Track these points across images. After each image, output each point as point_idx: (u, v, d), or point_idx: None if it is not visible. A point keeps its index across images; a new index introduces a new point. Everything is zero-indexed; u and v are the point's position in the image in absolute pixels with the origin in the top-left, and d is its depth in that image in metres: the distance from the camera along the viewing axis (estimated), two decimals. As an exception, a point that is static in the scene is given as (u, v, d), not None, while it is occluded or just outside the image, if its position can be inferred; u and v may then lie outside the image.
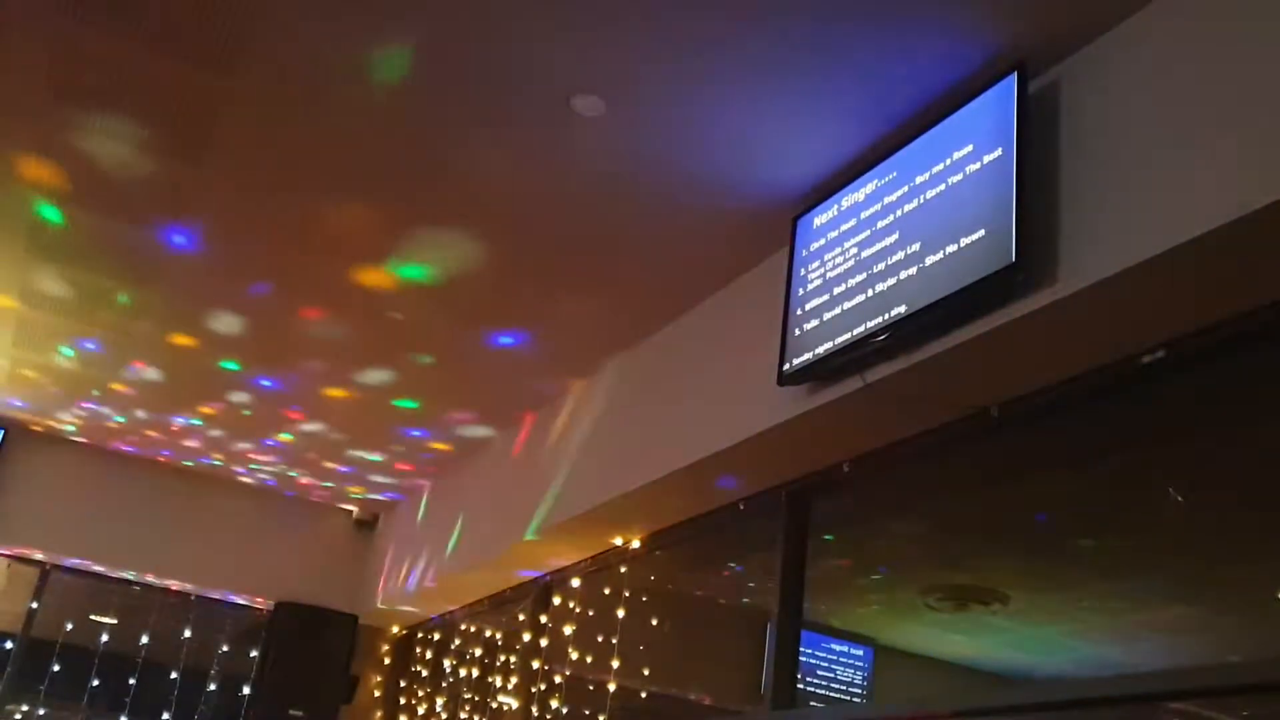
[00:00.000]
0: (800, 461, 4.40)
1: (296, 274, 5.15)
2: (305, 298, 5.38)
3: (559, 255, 4.70)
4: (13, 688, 8.05)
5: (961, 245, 3.17)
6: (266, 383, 6.43)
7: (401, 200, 4.44)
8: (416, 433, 6.88)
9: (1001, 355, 3.26)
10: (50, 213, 4.92)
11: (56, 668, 8.24)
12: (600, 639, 6.20)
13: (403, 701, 8.44)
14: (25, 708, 8.29)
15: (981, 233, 3.10)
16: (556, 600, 6.74)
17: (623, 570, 6.11)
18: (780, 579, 4.65)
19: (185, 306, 5.67)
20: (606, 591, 6.23)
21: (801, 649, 4.63)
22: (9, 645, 8.11)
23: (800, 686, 4.71)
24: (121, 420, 7.51)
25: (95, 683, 8.31)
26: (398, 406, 6.48)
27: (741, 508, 4.99)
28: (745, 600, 6.56)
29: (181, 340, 5.99)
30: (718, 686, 7.03)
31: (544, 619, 6.78)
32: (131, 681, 8.35)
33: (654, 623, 6.06)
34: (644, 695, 6.13)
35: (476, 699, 7.30)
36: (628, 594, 6.06)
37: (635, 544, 5.83)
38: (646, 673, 6.05)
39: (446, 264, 4.85)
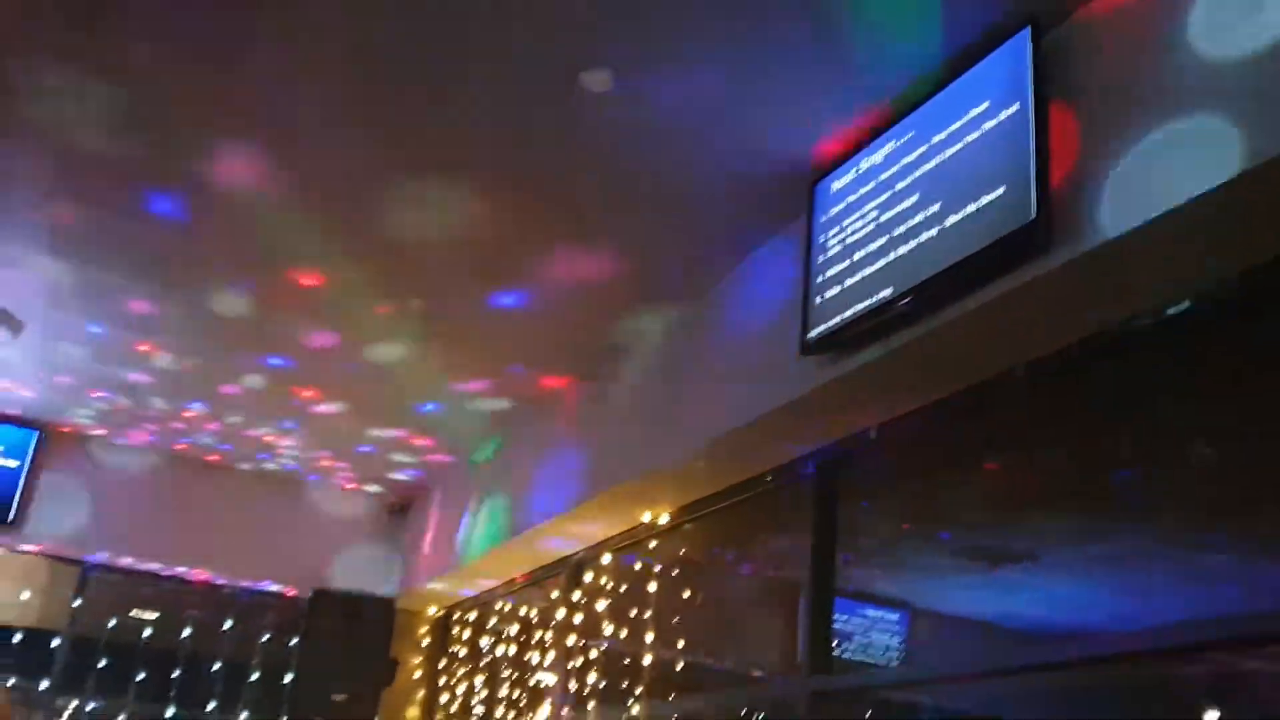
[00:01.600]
0: (827, 430, 4.41)
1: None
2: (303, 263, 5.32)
3: (574, 224, 4.66)
4: (61, 684, 8.20)
5: (981, 204, 3.15)
6: (277, 361, 6.44)
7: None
8: (431, 407, 6.90)
9: (1025, 314, 3.24)
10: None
11: (102, 663, 8.37)
12: (634, 613, 6.25)
13: (443, 681, 8.53)
14: (75, 702, 8.44)
15: (1001, 190, 3.08)
16: (589, 576, 6.78)
17: (653, 545, 6.14)
18: (811, 547, 4.67)
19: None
20: (638, 566, 6.27)
21: (836, 615, 4.66)
22: (55, 643, 8.25)
23: (836, 653, 4.73)
24: (148, 415, 7.58)
25: (140, 676, 8.44)
26: (412, 385, 6.52)
27: (770, 479, 5.00)
28: (778, 570, 6.58)
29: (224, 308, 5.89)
30: (754, 656, 7.06)
31: (577, 595, 6.83)
32: (175, 674, 8.48)
33: (687, 595, 6.09)
34: (679, 667, 6.16)
35: (515, 676, 7.37)
36: (659, 568, 6.10)
37: (664, 518, 5.86)
38: (682, 644, 6.08)
39: (451, 223, 4.74)
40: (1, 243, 5.37)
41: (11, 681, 8.44)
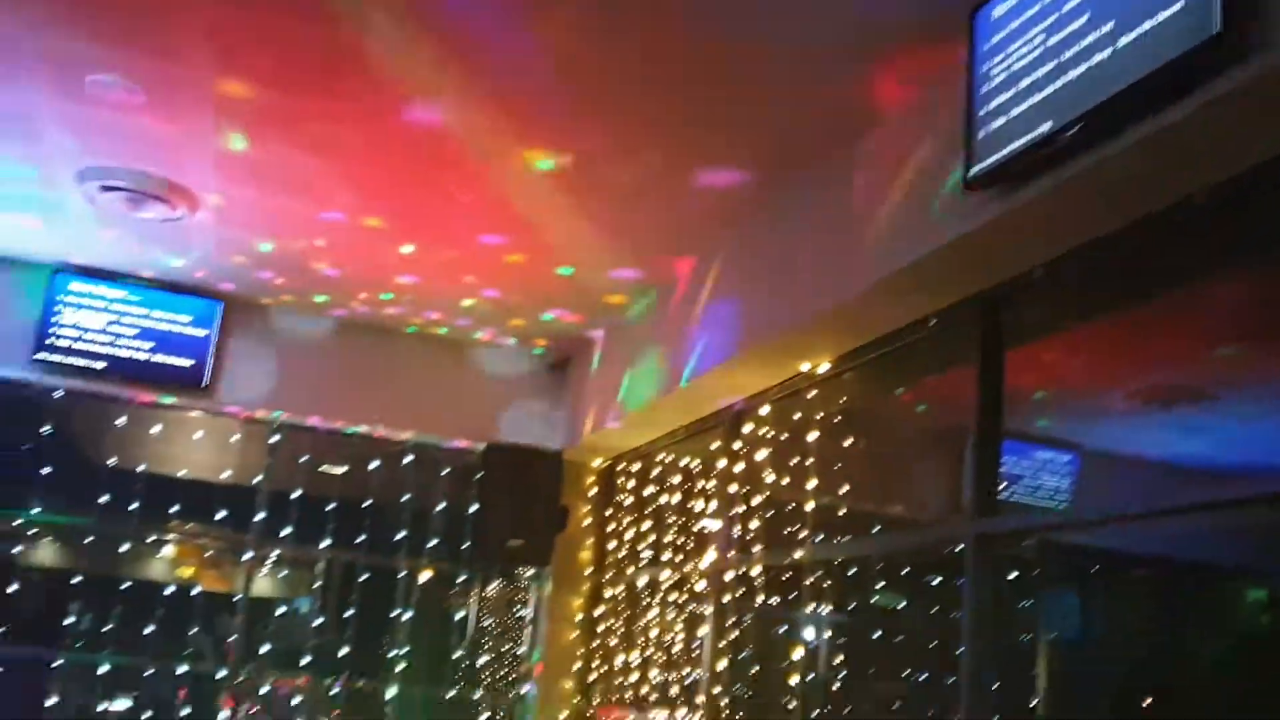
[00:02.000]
0: (992, 269, 4.32)
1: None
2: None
3: (722, 70, 4.60)
4: (260, 536, 8.87)
5: (1159, 20, 2.96)
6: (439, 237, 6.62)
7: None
8: (585, 266, 7.02)
9: (1205, 137, 3.08)
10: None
11: (296, 515, 8.98)
12: (795, 462, 6.34)
13: (610, 529, 8.87)
14: (276, 553, 9.12)
15: (1181, 3, 2.89)
16: (748, 427, 6.89)
17: (813, 394, 6.18)
18: (977, 389, 4.64)
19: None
20: (798, 416, 6.33)
21: (1003, 458, 4.64)
22: (253, 498, 8.88)
23: (1002, 496, 4.72)
24: (327, 282, 7.95)
25: (331, 526, 9.03)
26: (574, 241, 6.64)
27: (933, 322, 4.95)
28: (941, 415, 6.55)
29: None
30: (918, 502, 7.10)
31: (737, 445, 6.95)
32: (363, 525, 9.05)
33: (848, 443, 6.13)
34: (841, 513, 6.24)
35: (680, 523, 7.61)
36: (819, 416, 6.15)
37: (824, 367, 5.88)
38: (843, 491, 6.15)
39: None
40: (180, 117, 5.64)
41: (205, 537, 9.19)
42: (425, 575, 9.15)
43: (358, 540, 9.08)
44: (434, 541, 9.24)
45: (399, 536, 9.11)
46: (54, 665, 8.74)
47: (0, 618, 8.58)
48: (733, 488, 6.92)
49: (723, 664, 6.69)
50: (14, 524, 10.50)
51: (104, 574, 9.33)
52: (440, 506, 9.44)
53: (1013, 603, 6.23)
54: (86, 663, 8.89)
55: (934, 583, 6.54)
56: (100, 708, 9.05)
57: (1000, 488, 4.62)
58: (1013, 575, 5.86)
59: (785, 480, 6.43)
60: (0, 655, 8.29)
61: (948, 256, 4.22)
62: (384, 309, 8.39)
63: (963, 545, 4.59)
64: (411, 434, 9.05)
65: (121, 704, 9.17)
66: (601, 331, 8.35)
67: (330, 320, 8.78)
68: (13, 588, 8.96)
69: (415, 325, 8.76)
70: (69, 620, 8.91)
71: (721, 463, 7.08)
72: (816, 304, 5.18)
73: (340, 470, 9.41)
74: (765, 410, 6.66)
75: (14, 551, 9.90)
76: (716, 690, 6.66)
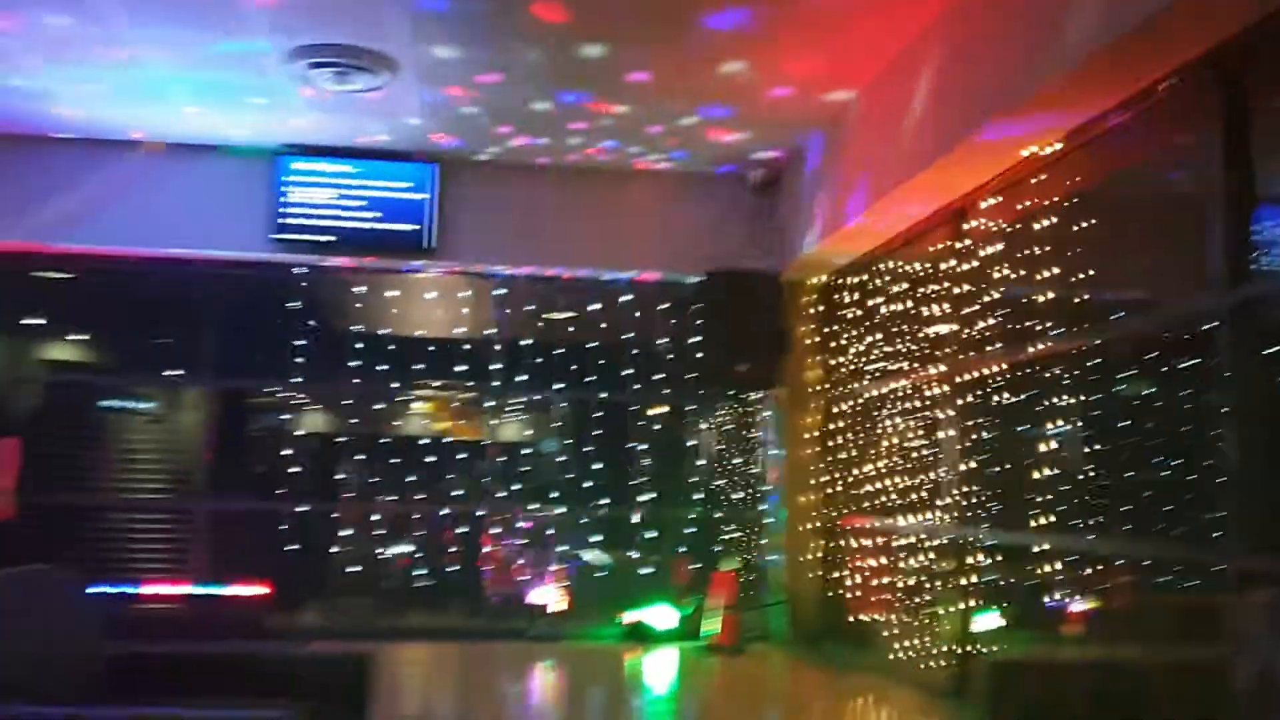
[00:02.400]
0: (1229, 19, 3.93)
1: None
2: None
3: None
4: (498, 387, 9.31)
5: None
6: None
7: None
8: (782, 91, 6.78)
9: None
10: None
11: (530, 362, 9.34)
12: (1026, 253, 6.07)
13: (836, 345, 8.83)
14: (515, 400, 9.56)
15: None
16: (974, 223, 6.63)
17: (1039, 180, 5.86)
18: (1221, 153, 4.30)
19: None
20: (1026, 204, 6.03)
21: (1255, 224, 4.31)
22: (486, 350, 9.30)
23: (1255, 266, 4.39)
24: (538, 131, 8.07)
25: (568, 367, 9.35)
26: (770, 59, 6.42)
27: (1166, 83, 4.58)
28: (1183, 185, 6.09)
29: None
30: (1161, 281, 6.70)
31: (963, 244, 6.72)
32: (593, 366, 9.33)
33: (1082, 227, 5.80)
34: (1078, 301, 5.96)
35: (909, 331, 7.47)
36: (1050, 202, 5.84)
37: (1051, 148, 5.55)
38: (1080, 279, 5.85)
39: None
40: None
41: (450, 390, 9.69)
42: (656, 409, 9.40)
43: (589, 380, 9.38)
44: (661, 375, 9.45)
45: (627, 373, 9.36)
46: (334, 516, 9.64)
47: (280, 480, 9.41)
48: (962, 287, 6.73)
49: (966, 466, 6.63)
50: (279, 395, 11.41)
51: (365, 433, 10.03)
52: (664, 340, 9.62)
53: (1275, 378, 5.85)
54: (362, 513, 9.72)
55: (1184, 365, 6.22)
56: (379, 552, 9.91)
57: (1254, 255, 4.31)
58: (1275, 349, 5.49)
59: (1018, 274, 6.18)
60: (285, 511, 9.10)
61: (1180, 9, 3.86)
62: (595, 151, 8.44)
63: (1217, 322, 4.33)
64: (630, 272, 9.18)
65: (397, 549, 9.98)
66: (811, 146, 8.15)
67: (542, 169, 8.91)
68: (287, 453, 9.78)
69: (625, 164, 8.78)
70: (339, 477, 9.65)
71: (948, 264, 6.87)
72: (1036, 77, 4.87)
73: (565, 315, 9.68)
74: (991, 203, 6.38)
75: (283, 419, 10.78)
76: (962, 491, 6.62)
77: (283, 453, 9.79)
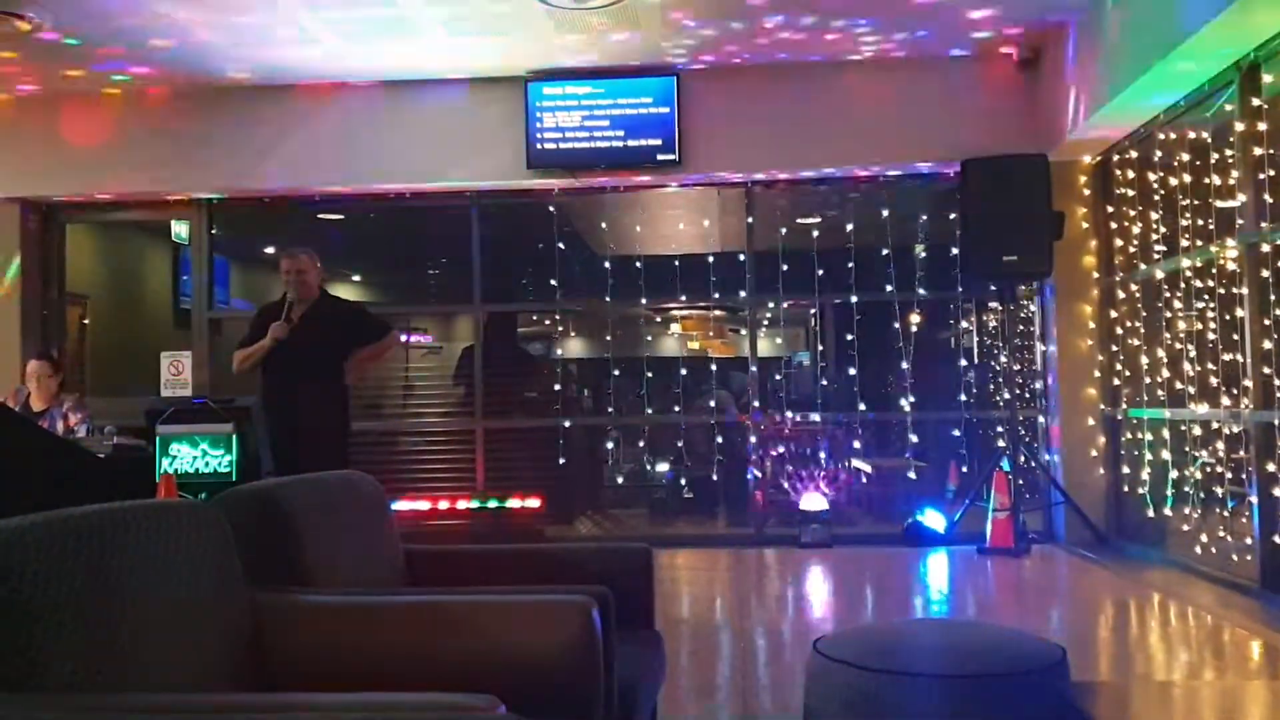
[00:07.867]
0: None
1: None
2: None
3: None
4: (751, 295, 9.26)
5: None
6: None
7: None
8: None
9: None
10: None
11: (784, 269, 9.23)
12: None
13: (1114, 226, 8.26)
14: (771, 304, 9.48)
15: None
16: (1268, 78, 5.99)
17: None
18: None
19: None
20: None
21: None
22: (740, 259, 9.25)
23: None
24: (769, 35, 7.88)
25: (820, 273, 9.19)
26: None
27: None
28: None
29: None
30: None
31: (1257, 102, 6.09)
32: (849, 266, 9.11)
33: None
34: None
35: (1196, 204, 6.87)
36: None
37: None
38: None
39: None
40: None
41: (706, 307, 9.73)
42: (917, 311, 9.10)
43: (847, 284, 9.18)
44: (922, 273, 9.14)
45: (886, 274, 9.09)
46: (609, 430, 9.92)
47: (554, 400, 9.78)
48: (1256, 151, 6.11)
49: (1267, 346, 6.07)
50: (544, 321, 11.83)
51: (625, 355, 10.26)
52: (924, 236, 9.28)
53: None
54: (631, 428, 9.99)
55: None
56: (647, 461, 10.20)
57: None
58: None
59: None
60: (556, 429, 9.45)
61: None
62: (830, 42, 8.14)
63: None
64: (883, 166, 8.88)
65: (663, 463, 10.21)
66: (1073, 16, 7.56)
67: (783, 69, 8.68)
68: (553, 374, 10.15)
69: (865, 52, 8.44)
70: (605, 394, 9.90)
71: (1240, 126, 6.24)
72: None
73: (817, 219, 9.49)
74: (1288, 52, 5.74)
75: (548, 342, 11.17)
76: (1263, 373, 6.07)
77: (549, 374, 10.18)
